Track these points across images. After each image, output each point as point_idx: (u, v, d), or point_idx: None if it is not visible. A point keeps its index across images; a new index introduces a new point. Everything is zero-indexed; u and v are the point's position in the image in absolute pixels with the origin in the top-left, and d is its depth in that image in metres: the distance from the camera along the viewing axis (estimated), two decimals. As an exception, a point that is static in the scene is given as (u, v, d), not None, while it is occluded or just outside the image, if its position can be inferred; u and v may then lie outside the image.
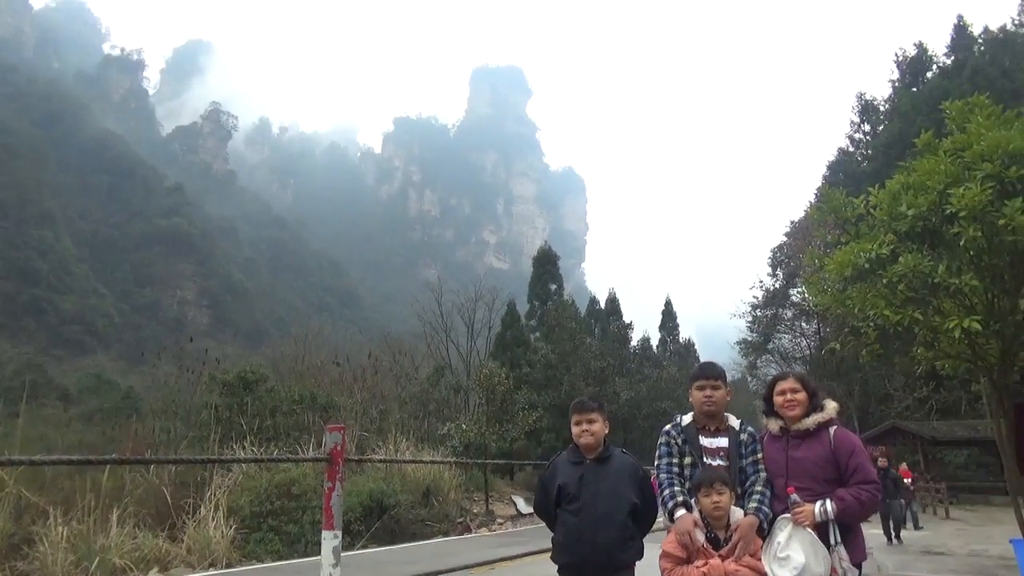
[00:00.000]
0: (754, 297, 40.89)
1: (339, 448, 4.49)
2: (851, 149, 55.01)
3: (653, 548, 3.57)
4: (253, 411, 18.24)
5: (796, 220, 41.55)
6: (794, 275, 36.89)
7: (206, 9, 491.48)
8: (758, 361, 40.50)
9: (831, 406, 3.78)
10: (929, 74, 51.28)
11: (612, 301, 47.44)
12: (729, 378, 4.12)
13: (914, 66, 52.62)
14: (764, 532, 3.49)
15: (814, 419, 3.71)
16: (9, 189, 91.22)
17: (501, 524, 19.60)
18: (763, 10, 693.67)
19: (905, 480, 19.75)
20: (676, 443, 3.74)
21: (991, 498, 26.32)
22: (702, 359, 34.72)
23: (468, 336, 39.31)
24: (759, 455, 3.71)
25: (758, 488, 3.58)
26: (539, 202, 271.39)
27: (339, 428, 4.68)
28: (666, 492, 3.59)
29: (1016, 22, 54.34)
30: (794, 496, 3.50)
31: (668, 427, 3.84)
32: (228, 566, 11.09)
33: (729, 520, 3.44)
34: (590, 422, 3.69)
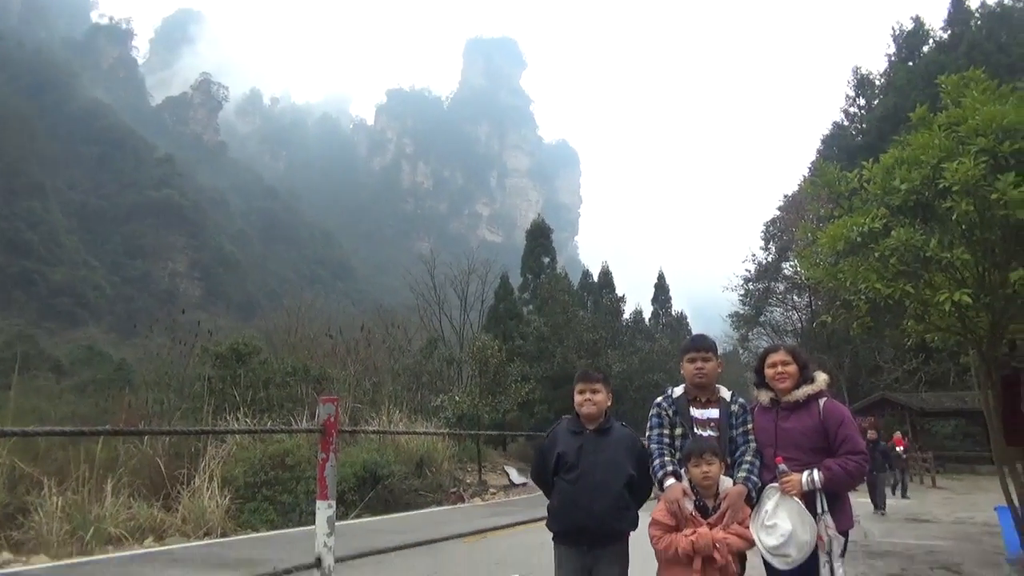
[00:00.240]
0: (746, 270, 41.07)
1: (332, 419, 4.51)
2: (846, 123, 54.84)
3: (646, 519, 3.62)
4: (246, 383, 18.27)
5: (790, 194, 41.56)
6: (787, 248, 36.97)
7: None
8: (750, 334, 40.73)
9: (821, 378, 3.82)
10: (925, 48, 51.00)
11: (605, 274, 47.47)
12: (721, 351, 4.14)
13: (911, 40, 52.30)
14: (753, 501, 3.54)
15: (804, 391, 3.75)
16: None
17: (494, 494, 19.82)
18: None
19: (898, 448, 19.98)
20: (667, 414, 3.78)
21: (977, 467, 26.76)
22: (694, 332, 34.84)
23: (461, 308, 39.33)
24: (749, 426, 3.75)
25: (747, 458, 3.62)
26: (533, 175, 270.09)
27: (332, 400, 4.69)
28: (656, 462, 3.63)
29: (1014, -5, 53.96)
30: (782, 466, 3.55)
31: (659, 399, 3.88)
32: (223, 535, 11.19)
33: (718, 489, 3.49)
34: (594, 392, 3.73)
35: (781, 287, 39.45)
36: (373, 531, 11.45)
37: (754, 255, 41.17)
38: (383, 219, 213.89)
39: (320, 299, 54.69)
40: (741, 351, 41.85)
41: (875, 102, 51.84)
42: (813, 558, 3.44)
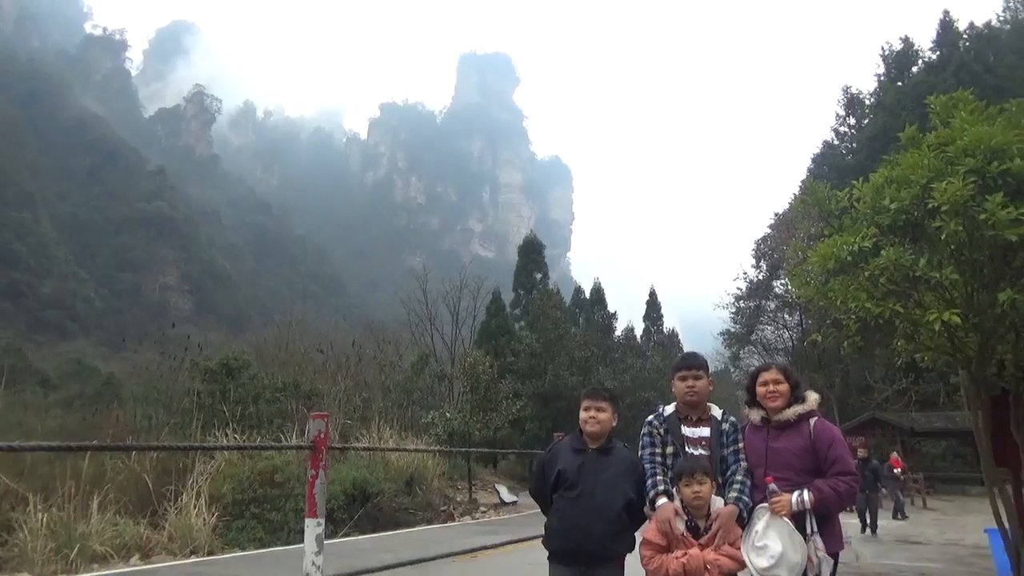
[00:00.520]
0: (738, 288, 41.08)
1: (322, 436, 4.49)
2: (836, 142, 55.28)
3: (638, 538, 3.61)
4: (236, 398, 18.12)
5: (780, 212, 41.70)
6: (777, 267, 37.07)
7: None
8: (741, 352, 40.72)
9: (812, 398, 3.83)
10: (914, 68, 51.56)
11: (597, 291, 47.51)
12: (712, 369, 4.15)
13: (900, 60, 52.88)
14: (744, 521, 3.53)
15: (795, 410, 3.75)
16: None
17: (484, 512, 19.67)
18: (750, 4, 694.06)
19: (896, 469, 19.88)
20: (659, 433, 3.77)
21: (967, 488, 26.76)
22: (685, 349, 34.88)
23: (453, 324, 39.27)
24: (740, 445, 3.75)
25: (738, 478, 3.61)
26: (525, 191, 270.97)
27: (322, 416, 4.67)
28: (648, 481, 3.62)
29: (1001, 18, 54.80)
30: (772, 486, 3.54)
31: (651, 417, 3.88)
32: (210, 553, 11.05)
33: (710, 509, 3.47)
34: (599, 410, 3.72)
35: (772, 305, 39.51)
36: (362, 550, 11.34)
37: (745, 273, 41.29)
38: (375, 234, 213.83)
39: (311, 314, 54.56)
40: (732, 369, 41.83)
41: (865, 121, 52.32)
42: (804, 579, 3.43)
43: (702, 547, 3.35)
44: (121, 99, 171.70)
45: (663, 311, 55.34)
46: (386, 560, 9.71)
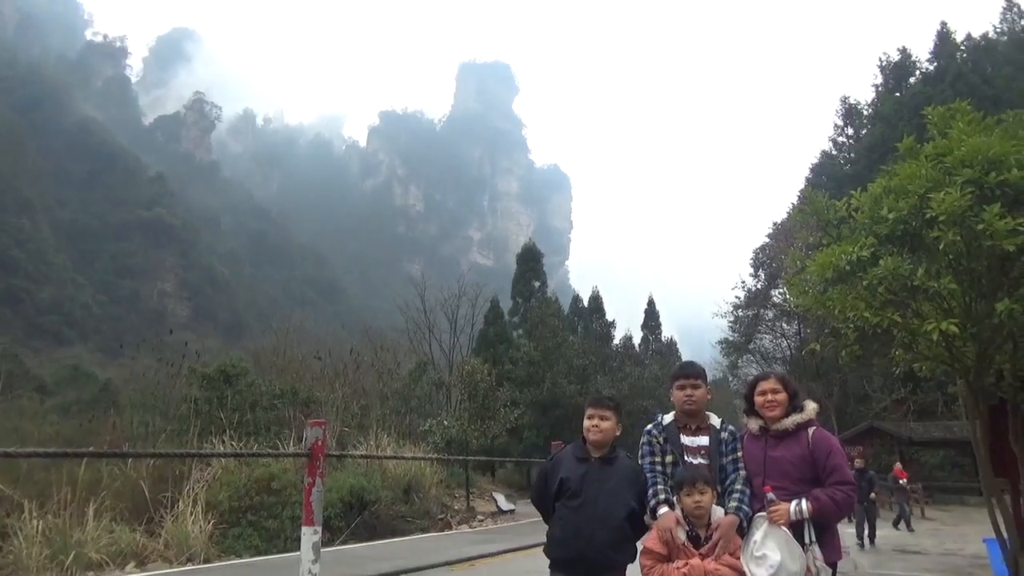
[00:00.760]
0: (736, 297, 41.12)
1: (320, 443, 4.48)
2: (834, 152, 55.45)
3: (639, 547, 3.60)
4: (233, 405, 18.08)
5: (779, 221, 41.78)
6: (776, 276, 37.10)
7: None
8: (739, 361, 40.71)
9: (811, 407, 3.83)
10: (912, 79, 51.77)
11: (595, 299, 47.55)
12: (710, 377, 4.15)
13: (897, 71, 53.10)
14: (744, 531, 3.52)
15: (793, 419, 3.75)
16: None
17: (482, 521, 19.60)
18: (748, 14, 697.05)
19: (901, 480, 19.73)
20: (658, 442, 3.77)
21: (966, 498, 26.70)
22: (684, 358, 34.85)
23: (451, 332, 39.21)
24: (739, 453, 3.74)
25: (738, 487, 3.61)
26: (524, 199, 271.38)
27: (320, 423, 4.67)
28: (649, 491, 3.61)
29: (998, 30, 55.12)
30: (770, 495, 3.54)
31: (650, 426, 3.87)
32: (206, 561, 11.00)
33: (710, 519, 3.47)
34: (603, 418, 3.72)
35: (770, 314, 39.52)
36: (359, 558, 11.29)
37: (743, 282, 41.32)
38: (374, 241, 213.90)
39: (309, 321, 54.45)
40: (730, 378, 41.83)
41: (863, 132, 52.49)
42: (802, 589, 3.42)
43: (703, 557, 3.35)
44: (121, 105, 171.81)
45: (661, 320, 55.46)
46: (383, 568, 9.69)
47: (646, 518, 3.64)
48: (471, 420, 23.25)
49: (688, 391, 3.76)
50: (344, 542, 13.40)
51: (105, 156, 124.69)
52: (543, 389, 31.20)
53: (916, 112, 27.26)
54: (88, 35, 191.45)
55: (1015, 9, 56.01)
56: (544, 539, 3.73)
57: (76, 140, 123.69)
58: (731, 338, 40.76)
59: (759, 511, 3.55)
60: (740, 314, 40.49)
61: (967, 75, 43.43)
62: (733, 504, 3.54)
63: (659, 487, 3.59)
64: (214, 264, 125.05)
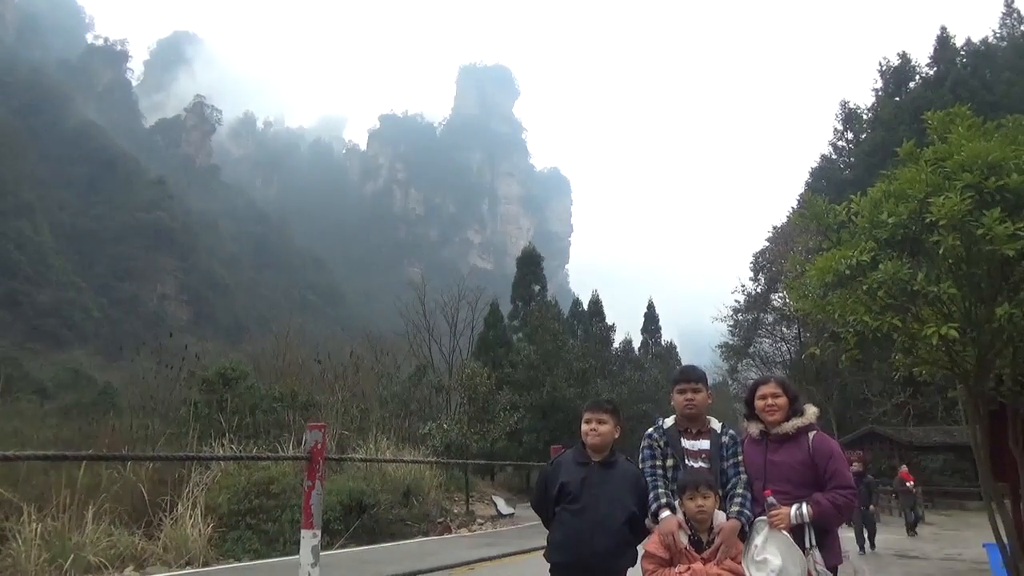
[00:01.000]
0: (736, 301, 41.13)
1: (319, 446, 4.47)
2: (834, 156, 55.59)
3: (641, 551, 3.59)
4: (233, 408, 18.08)
5: (778, 225, 41.85)
6: (776, 280, 37.12)
7: (192, 1, 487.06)
8: (739, 365, 40.70)
9: (811, 411, 3.83)
10: (912, 84, 51.93)
11: (595, 303, 47.57)
12: (710, 381, 4.15)
13: (897, 76, 53.25)
14: (746, 535, 3.52)
15: (793, 423, 3.75)
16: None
17: (481, 524, 19.58)
18: (749, 18, 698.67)
19: (908, 483, 19.61)
20: (659, 446, 3.77)
21: (966, 503, 26.66)
22: (683, 362, 34.94)
23: (451, 336, 39.22)
24: (740, 457, 3.74)
25: (739, 491, 3.61)
26: (524, 202, 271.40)
27: (320, 426, 4.66)
28: (650, 494, 3.61)
29: (997, 35, 55.31)
30: (770, 499, 3.54)
31: (651, 430, 3.88)
32: (205, 565, 10.98)
33: (712, 523, 3.47)
34: (600, 422, 3.72)
35: (770, 318, 39.52)
36: (359, 562, 11.28)
37: (743, 286, 41.35)
38: (374, 245, 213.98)
39: (309, 324, 54.49)
40: (730, 382, 41.82)
41: (863, 136, 52.63)
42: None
43: (705, 561, 3.34)
44: (121, 109, 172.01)
45: (661, 323, 55.49)
46: (382, 572, 9.67)
47: (647, 522, 3.63)
48: (471, 423, 23.23)
49: (689, 395, 3.76)
50: (343, 546, 13.38)
51: (105, 160, 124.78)
52: (543, 393, 31.18)
53: (916, 117, 27.31)
54: (89, 39, 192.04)
55: (1015, 15, 56.24)
56: (544, 543, 3.73)
57: (76, 144, 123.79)
58: (731, 342, 40.77)
59: (760, 515, 3.54)
60: (740, 318, 40.51)
61: (967, 80, 43.56)
62: (735, 508, 3.54)
63: (660, 491, 3.59)
64: (214, 267, 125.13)
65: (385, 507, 15.68)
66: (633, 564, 3.59)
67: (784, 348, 39.26)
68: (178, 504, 11.88)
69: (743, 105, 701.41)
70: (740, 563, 3.40)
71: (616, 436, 3.76)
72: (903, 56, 54.24)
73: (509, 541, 14.30)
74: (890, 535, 17.73)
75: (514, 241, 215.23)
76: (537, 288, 40.57)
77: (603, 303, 47.83)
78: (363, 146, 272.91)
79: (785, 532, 3.45)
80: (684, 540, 3.41)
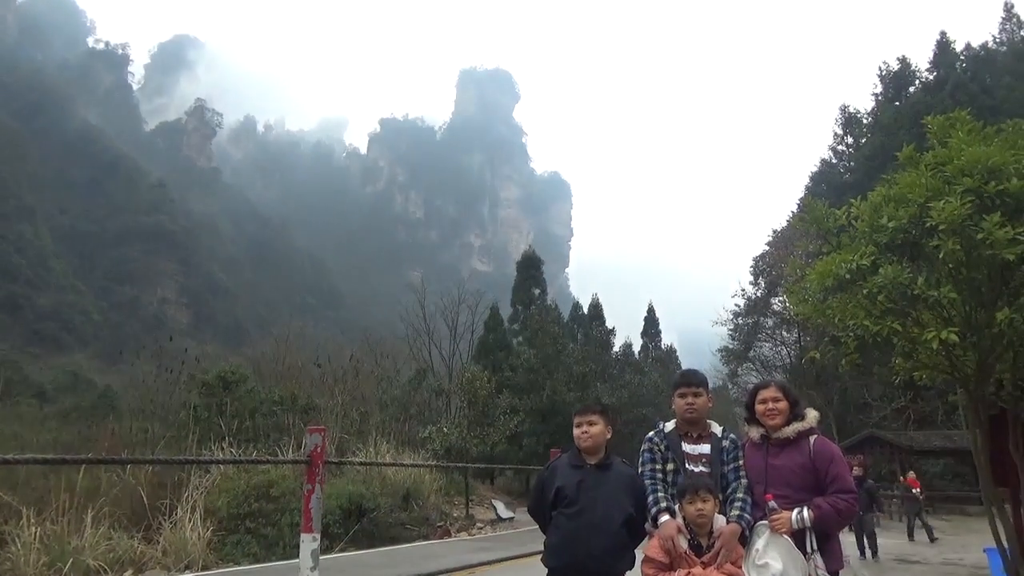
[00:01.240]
0: (736, 305, 41.10)
1: (319, 450, 4.47)
2: (834, 160, 55.62)
3: (639, 555, 3.58)
4: (232, 412, 18.06)
5: (778, 229, 41.87)
6: (776, 284, 37.12)
7: (193, 5, 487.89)
8: (739, 369, 40.67)
9: (812, 415, 3.83)
10: (912, 88, 51.96)
11: (595, 306, 47.51)
12: (710, 385, 4.15)
13: (897, 80, 53.30)
14: (746, 539, 3.51)
15: (794, 428, 3.75)
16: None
17: (481, 528, 19.54)
18: (749, 22, 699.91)
19: (914, 489, 19.43)
20: (659, 450, 3.76)
21: (966, 507, 26.59)
22: (684, 366, 34.85)
23: (451, 339, 39.19)
24: (740, 462, 3.74)
25: (739, 495, 3.60)
26: (524, 206, 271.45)
27: (319, 430, 4.66)
28: (650, 498, 3.60)
29: (997, 40, 55.40)
30: (772, 503, 3.53)
31: (651, 434, 3.87)
32: (204, 568, 10.96)
33: (712, 527, 3.46)
34: (591, 424, 3.71)
35: (770, 322, 39.50)
36: (358, 565, 11.26)
37: (743, 290, 41.31)
38: (374, 248, 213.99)
39: (309, 327, 54.46)
40: (730, 386, 41.78)
41: (863, 140, 52.65)
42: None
43: (704, 565, 3.34)
44: (122, 112, 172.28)
45: (661, 327, 55.43)
46: (382, 576, 9.66)
47: (647, 526, 3.63)
48: (471, 427, 23.20)
49: (690, 399, 3.76)
50: (343, 549, 13.35)
51: (106, 163, 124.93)
52: (543, 396, 31.13)
53: (916, 121, 27.37)
54: (90, 42, 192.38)
55: (1014, 19, 56.35)
56: (543, 547, 3.72)
57: (77, 147, 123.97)
58: (731, 346, 40.75)
59: (760, 519, 3.54)
60: (740, 322, 40.49)
61: (966, 84, 43.61)
62: (735, 512, 3.53)
63: (660, 495, 3.59)
64: (214, 271, 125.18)
65: (385, 511, 15.65)
66: (631, 567, 3.58)
67: (784, 352, 39.23)
68: (177, 508, 11.86)
69: (744, 109, 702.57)
70: (740, 567, 3.39)
71: (608, 436, 3.75)
72: (903, 61, 54.32)
73: (509, 545, 14.28)
74: (890, 540, 17.69)
75: (514, 245, 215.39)
76: (537, 292, 40.52)
77: (603, 307, 47.80)
78: (363, 149, 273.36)
79: (786, 536, 3.44)
80: (684, 544, 3.40)
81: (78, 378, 49.43)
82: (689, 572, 3.31)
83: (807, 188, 51.87)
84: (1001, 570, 7.90)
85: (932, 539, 17.63)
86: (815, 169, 55.71)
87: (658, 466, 3.72)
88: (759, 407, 3.87)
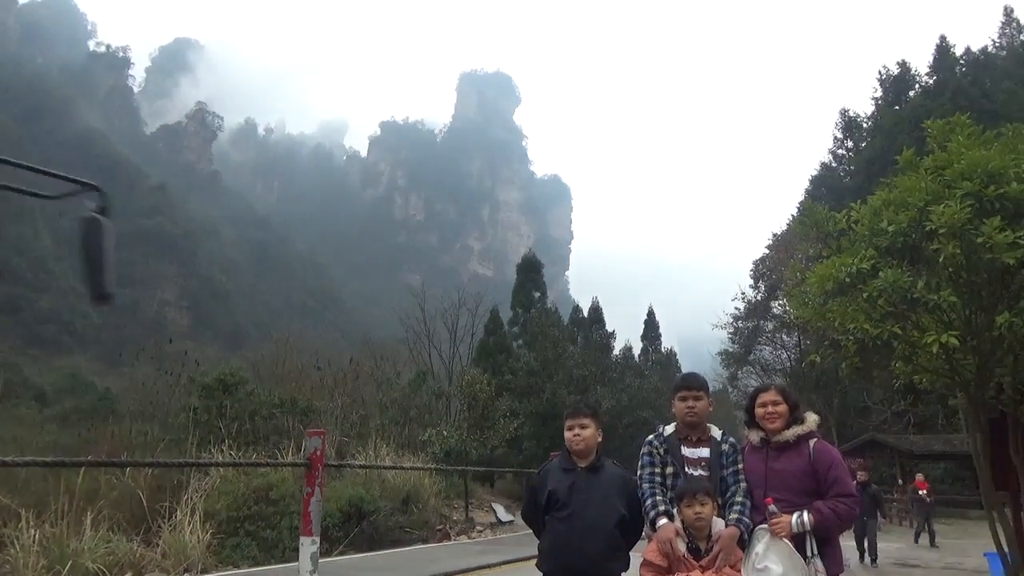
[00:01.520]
0: (736, 308, 41.14)
1: (319, 453, 4.47)
2: (834, 164, 55.70)
3: (636, 559, 3.58)
4: (232, 414, 18.04)
5: (778, 233, 41.92)
6: (776, 288, 37.14)
7: (194, 8, 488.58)
8: (739, 372, 40.70)
9: (812, 419, 3.82)
10: (912, 93, 52.06)
11: (595, 310, 47.46)
12: (710, 389, 4.15)
13: (897, 85, 53.40)
14: (745, 543, 3.51)
15: (794, 431, 3.74)
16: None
17: (481, 532, 19.54)
18: (749, 25, 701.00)
19: (921, 492, 19.25)
20: (658, 453, 3.76)
21: (967, 512, 26.56)
22: (684, 369, 34.84)
23: (451, 342, 39.13)
24: (740, 465, 3.74)
25: (738, 499, 3.60)
26: (524, 209, 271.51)
27: (319, 433, 4.66)
28: (648, 501, 3.60)
29: (997, 44, 55.49)
30: (772, 507, 3.53)
31: (651, 437, 3.87)
32: (203, 571, 10.95)
33: (711, 531, 3.45)
34: (582, 427, 3.70)
35: (770, 326, 39.53)
36: (358, 569, 11.25)
37: (743, 293, 41.36)
38: (374, 251, 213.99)
39: (309, 330, 54.49)
40: (730, 389, 41.78)
41: (863, 144, 52.72)
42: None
43: (703, 569, 3.33)
44: (123, 115, 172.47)
45: (661, 330, 55.39)
46: (381, 580, 9.65)
47: (645, 529, 3.62)
48: (470, 430, 23.18)
49: (690, 403, 3.76)
50: (342, 553, 13.34)
51: (107, 166, 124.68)
52: (543, 399, 31.09)
53: (915, 125, 27.41)
54: (91, 45, 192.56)
55: (1014, 24, 56.44)
56: (537, 552, 3.72)
57: (78, 149, 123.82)
58: (731, 349, 40.78)
59: (760, 523, 3.54)
60: (740, 325, 40.52)
61: (966, 88, 43.66)
62: (734, 516, 3.53)
63: (658, 499, 3.58)
64: (214, 273, 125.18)
65: (384, 514, 15.63)
66: (626, 569, 3.57)
67: (784, 356, 39.24)
68: (177, 510, 11.85)
69: (744, 113, 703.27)
70: (739, 571, 3.39)
71: (600, 439, 3.74)
72: (903, 65, 54.44)
73: (508, 548, 14.27)
74: (891, 544, 17.66)
75: (514, 248, 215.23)
76: (537, 295, 40.48)
77: (603, 310, 47.77)
78: (364, 152, 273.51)
79: (786, 540, 3.44)
80: (682, 548, 3.39)
81: (78, 380, 49.41)
82: (688, 575, 3.30)
83: (807, 192, 51.94)
84: (1002, 574, 7.89)
85: (933, 544, 17.61)
86: (815, 173, 55.83)
87: (657, 470, 3.71)
88: (759, 410, 3.87)
